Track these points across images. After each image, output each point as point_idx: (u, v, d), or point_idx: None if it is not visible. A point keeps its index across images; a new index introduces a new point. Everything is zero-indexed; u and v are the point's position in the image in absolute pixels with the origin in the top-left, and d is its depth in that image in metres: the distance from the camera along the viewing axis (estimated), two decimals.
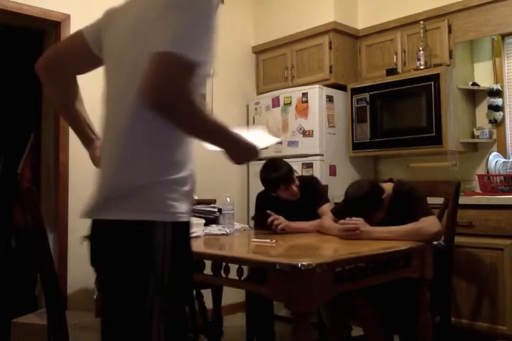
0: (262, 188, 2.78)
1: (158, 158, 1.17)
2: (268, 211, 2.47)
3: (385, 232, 2.07)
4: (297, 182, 2.62)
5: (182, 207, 1.17)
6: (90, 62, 1.37)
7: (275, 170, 2.57)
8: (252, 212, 3.84)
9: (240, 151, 1.30)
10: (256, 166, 3.79)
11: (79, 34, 1.37)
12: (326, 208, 2.61)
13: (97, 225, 1.22)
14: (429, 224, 2.05)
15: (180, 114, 1.08)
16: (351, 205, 2.22)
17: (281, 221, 2.45)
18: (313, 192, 2.69)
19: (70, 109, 1.43)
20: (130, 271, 1.13)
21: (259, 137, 1.59)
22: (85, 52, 1.35)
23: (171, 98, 1.04)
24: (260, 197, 2.86)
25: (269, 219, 2.45)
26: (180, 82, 1.04)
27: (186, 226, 1.20)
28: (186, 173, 1.23)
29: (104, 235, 1.19)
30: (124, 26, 1.24)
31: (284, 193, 2.59)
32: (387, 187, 2.27)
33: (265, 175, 2.61)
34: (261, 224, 2.64)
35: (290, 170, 2.60)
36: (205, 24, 1.09)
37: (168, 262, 1.14)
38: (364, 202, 2.16)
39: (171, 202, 1.15)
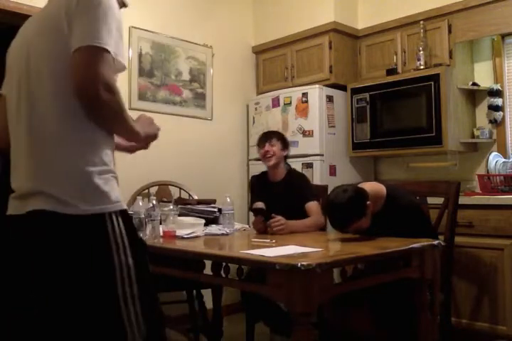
0: None
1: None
2: (273, 214, 2.47)
3: None
4: (276, 151, 2.80)
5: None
6: None
7: (271, 130, 3.07)
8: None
9: (143, 141, 1.39)
10: (256, 166, 3.79)
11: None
12: (312, 206, 2.70)
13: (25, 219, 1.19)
14: None
15: (105, 101, 1.16)
16: (331, 214, 2.13)
17: (281, 222, 2.44)
18: (300, 185, 2.79)
19: None
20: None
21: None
22: None
23: (95, 84, 1.14)
24: (253, 178, 3.05)
25: (271, 220, 2.44)
26: (100, 68, 1.15)
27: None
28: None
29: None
30: (25, 40, 1.32)
31: (261, 149, 2.83)
32: (375, 189, 2.19)
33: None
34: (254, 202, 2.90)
35: (278, 136, 2.88)
36: (108, 17, 1.20)
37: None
38: (344, 213, 2.05)
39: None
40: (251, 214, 3.90)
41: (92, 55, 1.16)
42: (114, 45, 1.20)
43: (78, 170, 1.18)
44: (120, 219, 1.20)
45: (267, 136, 2.87)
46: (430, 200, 2.62)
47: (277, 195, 2.75)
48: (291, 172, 2.89)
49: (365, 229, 2.12)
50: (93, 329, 1.15)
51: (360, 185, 2.21)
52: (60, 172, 1.19)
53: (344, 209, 2.05)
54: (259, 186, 2.92)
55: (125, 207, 1.24)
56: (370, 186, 2.21)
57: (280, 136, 2.89)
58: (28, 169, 1.23)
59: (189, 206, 2.65)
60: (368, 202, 2.08)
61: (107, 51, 1.18)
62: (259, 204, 2.77)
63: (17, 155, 1.29)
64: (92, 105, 1.17)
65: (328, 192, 2.58)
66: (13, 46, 1.41)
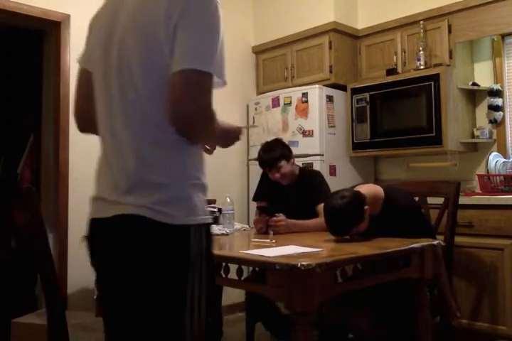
0: None
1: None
2: (277, 214, 2.46)
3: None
4: (285, 171, 2.65)
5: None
6: None
7: (266, 152, 2.69)
8: (252, 213, 3.84)
9: (229, 140, 1.41)
10: (256, 167, 3.78)
11: (80, 70, 1.32)
12: (322, 207, 2.63)
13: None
14: None
15: (201, 130, 1.13)
16: (329, 222, 2.10)
17: (282, 223, 2.44)
18: (311, 185, 2.68)
19: None
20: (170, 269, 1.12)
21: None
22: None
23: (195, 116, 1.08)
24: (265, 174, 2.85)
25: (273, 219, 2.44)
26: (202, 98, 1.09)
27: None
28: None
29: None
30: (119, 35, 1.18)
31: (269, 174, 2.70)
32: (372, 191, 2.18)
33: (258, 153, 2.75)
34: (259, 197, 2.86)
35: (279, 157, 2.63)
36: (215, 36, 1.17)
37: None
38: (342, 220, 2.05)
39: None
40: (251, 214, 3.90)
41: (193, 82, 1.07)
42: (219, 64, 1.13)
43: (172, 181, 1.12)
44: (204, 233, 1.15)
45: (272, 164, 2.64)
46: (430, 200, 2.63)
47: (288, 196, 2.67)
48: (302, 172, 2.78)
49: (363, 231, 2.12)
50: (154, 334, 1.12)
51: (357, 188, 2.21)
52: (152, 183, 1.12)
53: (343, 217, 2.04)
54: (269, 183, 2.77)
55: (210, 221, 1.20)
56: (368, 189, 2.20)
57: (282, 154, 2.66)
58: (121, 177, 1.15)
59: None
60: (366, 207, 2.07)
61: (211, 75, 1.11)
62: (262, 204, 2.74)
63: (108, 157, 1.21)
64: (186, 135, 1.11)
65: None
66: (97, 24, 1.27)
